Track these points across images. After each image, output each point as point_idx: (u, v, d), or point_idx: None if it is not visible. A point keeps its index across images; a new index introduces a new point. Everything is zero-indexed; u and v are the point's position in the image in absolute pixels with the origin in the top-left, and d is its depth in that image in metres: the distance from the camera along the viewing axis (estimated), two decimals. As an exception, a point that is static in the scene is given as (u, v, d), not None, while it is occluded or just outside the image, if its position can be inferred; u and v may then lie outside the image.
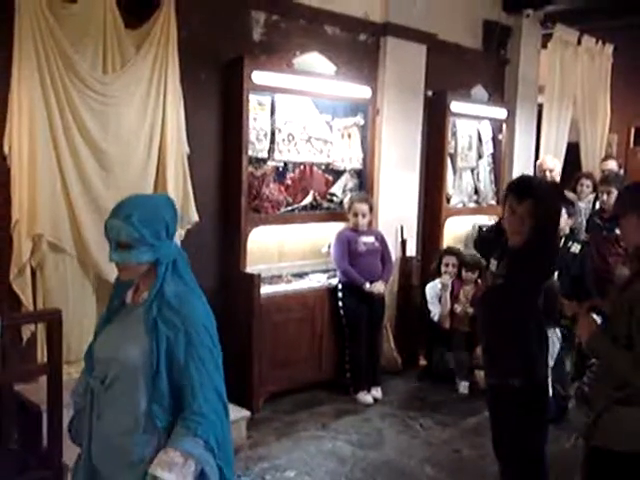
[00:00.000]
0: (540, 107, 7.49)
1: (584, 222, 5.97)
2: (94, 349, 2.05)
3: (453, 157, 6.55)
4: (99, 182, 4.02)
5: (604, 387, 2.28)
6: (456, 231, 6.62)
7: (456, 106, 6.23)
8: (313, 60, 5.07)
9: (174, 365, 1.89)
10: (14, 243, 3.70)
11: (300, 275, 5.25)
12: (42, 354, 3.78)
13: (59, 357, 3.21)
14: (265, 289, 4.76)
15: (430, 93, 6.14)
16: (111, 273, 4.06)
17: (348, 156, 5.49)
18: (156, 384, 1.89)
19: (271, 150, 4.97)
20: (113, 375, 1.95)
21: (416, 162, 6.06)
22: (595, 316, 2.43)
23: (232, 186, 4.67)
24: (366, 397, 5.02)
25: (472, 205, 6.69)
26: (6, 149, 3.68)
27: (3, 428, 3.32)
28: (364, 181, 5.58)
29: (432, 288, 5.45)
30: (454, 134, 6.54)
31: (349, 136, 5.48)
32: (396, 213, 5.88)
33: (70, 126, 3.86)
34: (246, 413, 4.21)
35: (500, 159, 6.91)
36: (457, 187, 6.63)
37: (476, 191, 6.79)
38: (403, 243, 5.94)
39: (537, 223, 2.81)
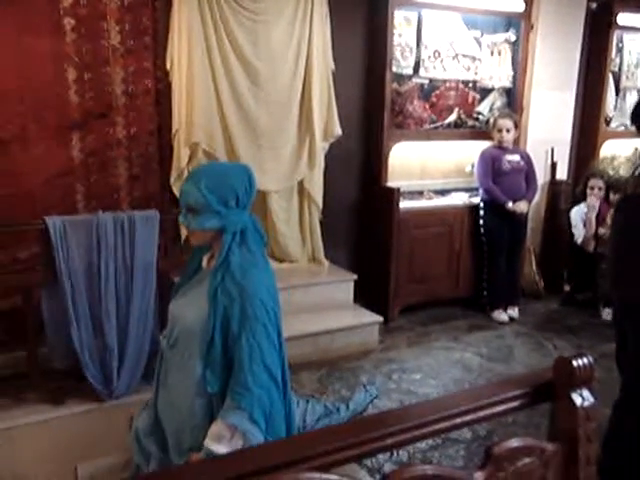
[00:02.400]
0: None
1: None
2: (169, 307, 2.10)
3: (617, 76, 6.14)
4: (249, 96, 4.32)
5: None
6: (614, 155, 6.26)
7: (624, 18, 5.78)
8: (463, -27, 4.96)
9: (229, 335, 1.89)
10: (174, 151, 4.12)
11: (441, 192, 5.31)
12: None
13: (208, 250, 3.60)
14: (405, 204, 4.89)
15: (593, 5, 5.75)
16: (260, 183, 4.42)
17: (497, 74, 5.37)
18: (210, 351, 1.90)
19: (416, 67, 5.00)
20: (176, 336, 2.00)
21: (572, 81, 5.77)
22: None
23: (375, 102, 4.78)
24: (501, 315, 5.07)
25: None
26: (168, 65, 4.06)
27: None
28: (513, 100, 5.45)
29: (577, 212, 5.27)
30: (620, 50, 6.11)
31: (499, 53, 5.35)
32: (547, 134, 5.68)
33: (224, 43, 4.16)
34: (378, 318, 4.45)
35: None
36: (619, 109, 6.23)
37: (642, 113, 6.33)
38: (553, 166, 5.76)
39: None
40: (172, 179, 4.12)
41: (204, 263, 2.06)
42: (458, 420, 1.25)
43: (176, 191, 4.13)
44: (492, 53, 5.31)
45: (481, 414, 1.28)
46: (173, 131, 4.09)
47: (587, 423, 1.37)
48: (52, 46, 3.74)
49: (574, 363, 1.37)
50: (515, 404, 1.34)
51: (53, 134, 3.81)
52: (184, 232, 4.21)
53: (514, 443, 1.26)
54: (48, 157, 3.80)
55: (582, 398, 1.38)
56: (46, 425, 3.16)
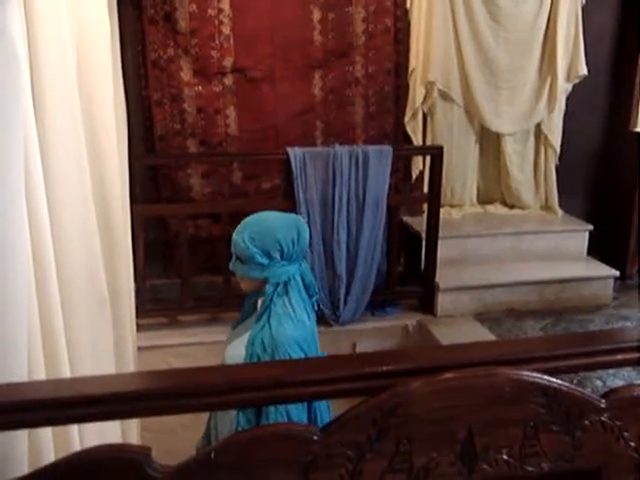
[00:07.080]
0: None
1: None
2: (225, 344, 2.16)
3: None
4: (489, 35, 4.19)
5: None
6: None
7: None
8: None
9: None
10: (410, 90, 4.16)
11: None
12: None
13: (438, 187, 3.63)
14: (656, 152, 4.45)
15: None
16: (495, 125, 4.34)
17: None
18: None
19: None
20: None
21: None
22: None
23: (630, 38, 4.35)
24: None
25: None
26: (408, 3, 4.08)
27: (392, 252, 3.88)
28: None
29: None
30: None
31: None
32: None
33: (464, -21, 4.07)
34: (614, 272, 4.14)
35: None
36: None
37: None
38: None
39: None
40: (406, 118, 4.18)
41: (259, 305, 2.08)
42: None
43: (409, 130, 4.20)
44: None
45: None
46: (410, 70, 4.12)
47: None
48: (300, -13, 3.95)
49: None
50: None
51: (298, 73, 4.05)
52: (415, 172, 4.30)
53: None
54: (292, 95, 4.06)
55: None
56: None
